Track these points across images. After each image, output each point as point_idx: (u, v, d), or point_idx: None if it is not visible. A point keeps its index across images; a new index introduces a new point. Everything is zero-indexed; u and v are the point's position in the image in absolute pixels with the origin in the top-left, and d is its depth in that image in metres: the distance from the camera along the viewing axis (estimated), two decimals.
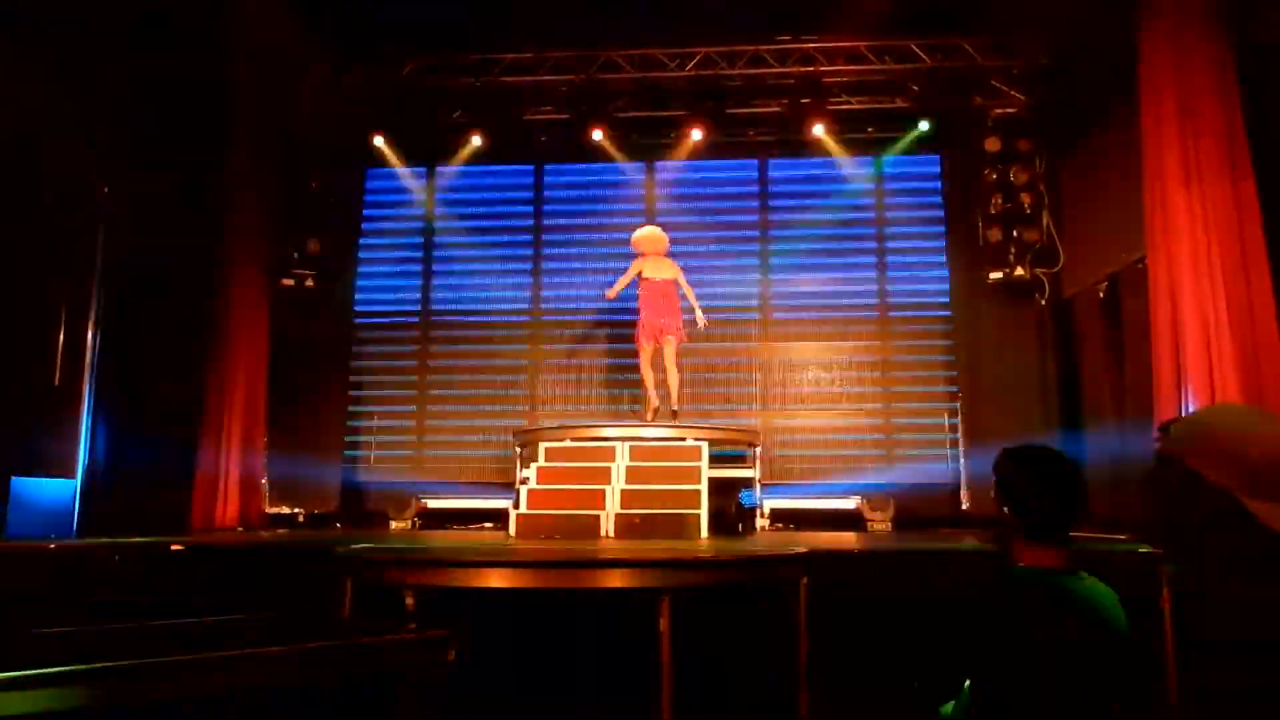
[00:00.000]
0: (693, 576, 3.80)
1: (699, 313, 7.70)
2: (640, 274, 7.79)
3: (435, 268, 9.26)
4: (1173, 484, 1.43)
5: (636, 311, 7.82)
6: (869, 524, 7.74)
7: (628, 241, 8.00)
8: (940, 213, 8.90)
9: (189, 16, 7.15)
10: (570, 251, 9.14)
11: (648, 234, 7.88)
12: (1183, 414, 1.47)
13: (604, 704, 3.94)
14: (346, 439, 8.97)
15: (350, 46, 8.50)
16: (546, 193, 9.36)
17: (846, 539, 6.35)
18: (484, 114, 8.76)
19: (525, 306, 9.11)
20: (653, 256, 7.82)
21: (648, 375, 7.75)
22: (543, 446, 7.02)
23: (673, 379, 7.71)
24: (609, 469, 6.62)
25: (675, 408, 7.68)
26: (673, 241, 8.28)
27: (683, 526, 6.13)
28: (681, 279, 7.82)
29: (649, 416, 7.70)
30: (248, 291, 8.08)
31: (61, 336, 6.88)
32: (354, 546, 4.38)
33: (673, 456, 6.84)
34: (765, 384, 8.87)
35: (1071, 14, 7.15)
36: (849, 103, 8.69)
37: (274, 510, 8.34)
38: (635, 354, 7.86)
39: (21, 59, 6.22)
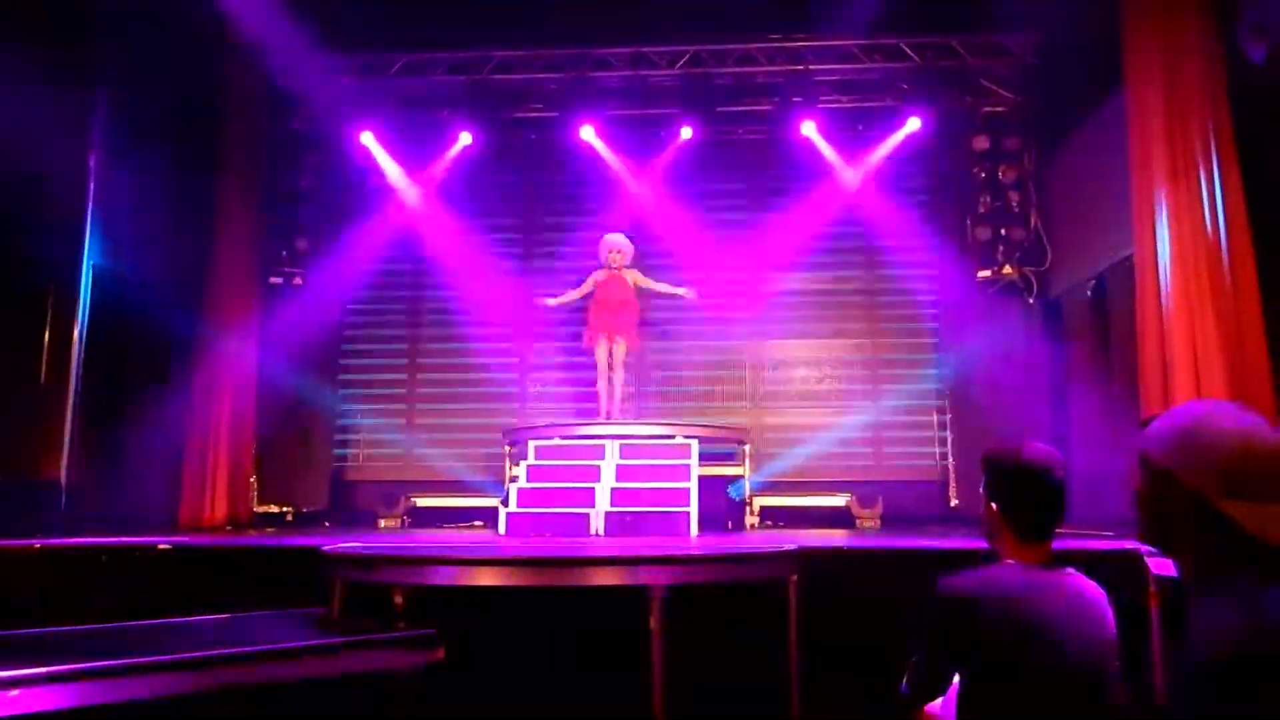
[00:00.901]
0: (682, 574, 3.81)
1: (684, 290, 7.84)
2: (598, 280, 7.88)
3: (424, 265, 9.23)
4: (1149, 482, 1.45)
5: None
6: (858, 521, 7.77)
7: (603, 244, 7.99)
8: (928, 211, 8.92)
9: (178, 12, 7.11)
10: (560, 250, 9.12)
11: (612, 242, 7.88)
12: (1165, 410, 1.49)
13: (595, 702, 3.95)
14: (335, 437, 8.95)
15: (340, 43, 8.48)
16: (535, 190, 9.35)
17: (836, 536, 6.37)
18: (473, 111, 8.73)
19: (515, 303, 9.08)
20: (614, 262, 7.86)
21: (603, 382, 7.79)
22: (532, 444, 7.02)
23: (618, 384, 7.78)
24: (598, 467, 6.63)
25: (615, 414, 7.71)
26: (660, 239, 8.32)
27: (672, 524, 6.15)
28: (642, 283, 7.89)
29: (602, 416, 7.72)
30: (236, 289, 8.05)
31: (47, 335, 6.83)
32: (343, 545, 4.37)
33: (662, 454, 6.85)
34: (754, 382, 8.89)
35: (1057, 12, 7.19)
36: (838, 101, 8.73)
37: (262, 509, 8.32)
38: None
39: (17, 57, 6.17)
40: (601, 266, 7.90)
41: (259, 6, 7.52)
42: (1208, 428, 1.39)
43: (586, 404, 8.75)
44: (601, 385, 7.77)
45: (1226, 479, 1.34)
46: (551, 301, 8.02)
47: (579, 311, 8.28)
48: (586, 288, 7.93)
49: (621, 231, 8.03)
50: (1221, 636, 1.25)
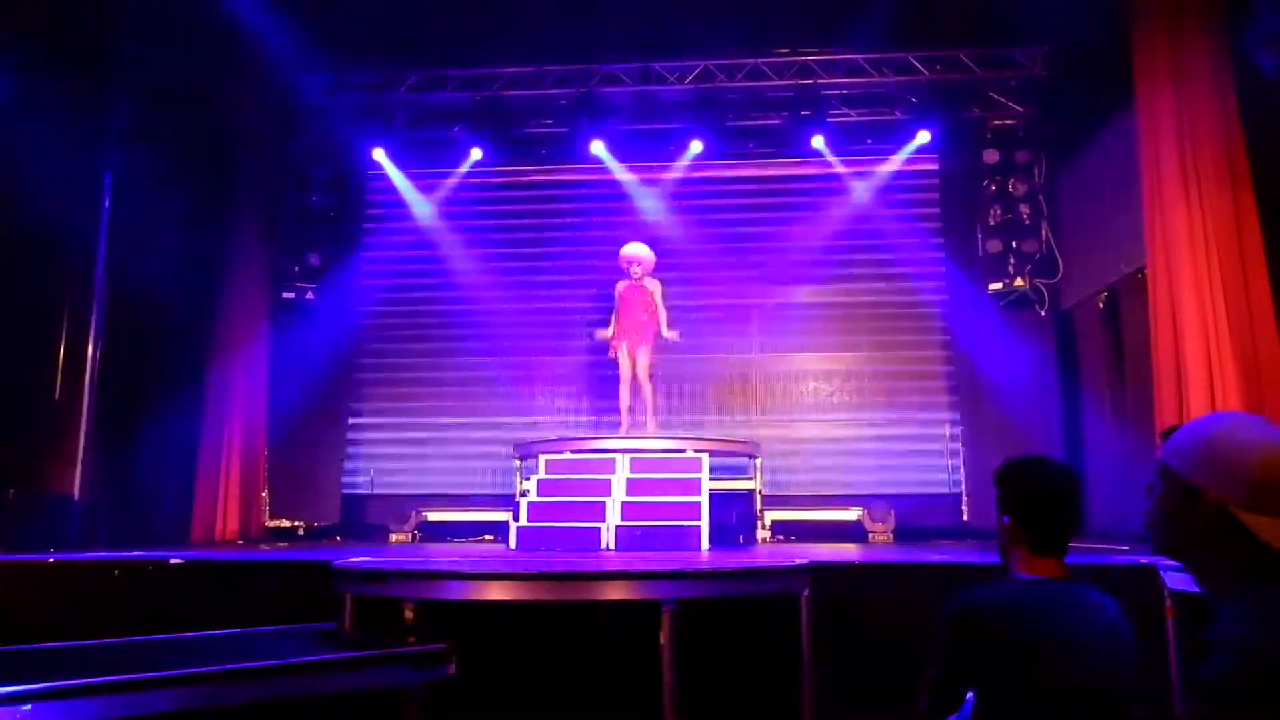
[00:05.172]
0: (694, 588, 3.79)
1: (665, 329, 7.78)
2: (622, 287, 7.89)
3: (435, 280, 9.26)
4: (1170, 495, 1.43)
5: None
6: (870, 535, 7.73)
7: (620, 255, 8.02)
8: (939, 224, 8.91)
9: (190, 30, 7.19)
10: (570, 263, 9.15)
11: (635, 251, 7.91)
12: (1183, 422, 1.48)
13: (605, 716, 3.93)
14: (346, 451, 8.96)
15: (351, 60, 8.56)
16: (546, 205, 9.38)
17: (848, 550, 6.33)
18: (484, 127, 8.79)
19: (526, 318, 9.10)
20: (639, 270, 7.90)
21: (625, 392, 7.79)
22: (543, 458, 7.02)
23: (647, 397, 7.75)
24: (609, 481, 6.62)
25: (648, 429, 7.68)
26: (671, 252, 8.35)
27: (683, 538, 6.13)
28: (657, 294, 7.88)
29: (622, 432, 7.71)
30: (248, 304, 8.11)
31: (62, 351, 6.89)
32: (354, 560, 4.37)
33: (673, 468, 6.84)
34: (765, 395, 8.87)
35: (1067, 25, 7.20)
36: (847, 115, 8.75)
37: (274, 523, 8.33)
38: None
39: (24, 72, 6.25)
40: (624, 277, 7.94)
41: (270, 25, 7.60)
42: (1231, 440, 1.38)
43: (598, 417, 8.75)
44: (622, 394, 7.78)
45: (1250, 491, 1.33)
46: (599, 334, 7.99)
47: (592, 325, 8.30)
48: (616, 303, 7.95)
49: (639, 242, 8.03)
50: (1243, 650, 1.23)
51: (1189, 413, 5.08)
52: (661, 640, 3.55)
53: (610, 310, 8.06)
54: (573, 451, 7.15)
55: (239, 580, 4.97)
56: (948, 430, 8.47)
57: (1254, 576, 1.32)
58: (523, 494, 6.82)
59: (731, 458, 7.76)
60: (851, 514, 7.95)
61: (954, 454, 8.42)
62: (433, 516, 8.28)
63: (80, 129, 6.83)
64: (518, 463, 7.55)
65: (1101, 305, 7.34)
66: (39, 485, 6.61)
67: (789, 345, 8.90)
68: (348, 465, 8.94)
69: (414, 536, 8.08)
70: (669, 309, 7.96)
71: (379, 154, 8.96)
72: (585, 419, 8.80)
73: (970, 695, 2.05)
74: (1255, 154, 5.27)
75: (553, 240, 9.25)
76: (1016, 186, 8.16)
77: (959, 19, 8.18)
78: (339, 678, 2.17)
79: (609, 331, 7.89)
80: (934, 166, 8.96)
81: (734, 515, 7.34)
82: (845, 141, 8.82)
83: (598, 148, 8.77)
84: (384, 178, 9.23)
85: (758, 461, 7.66)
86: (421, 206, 9.25)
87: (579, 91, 8.63)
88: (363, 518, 8.74)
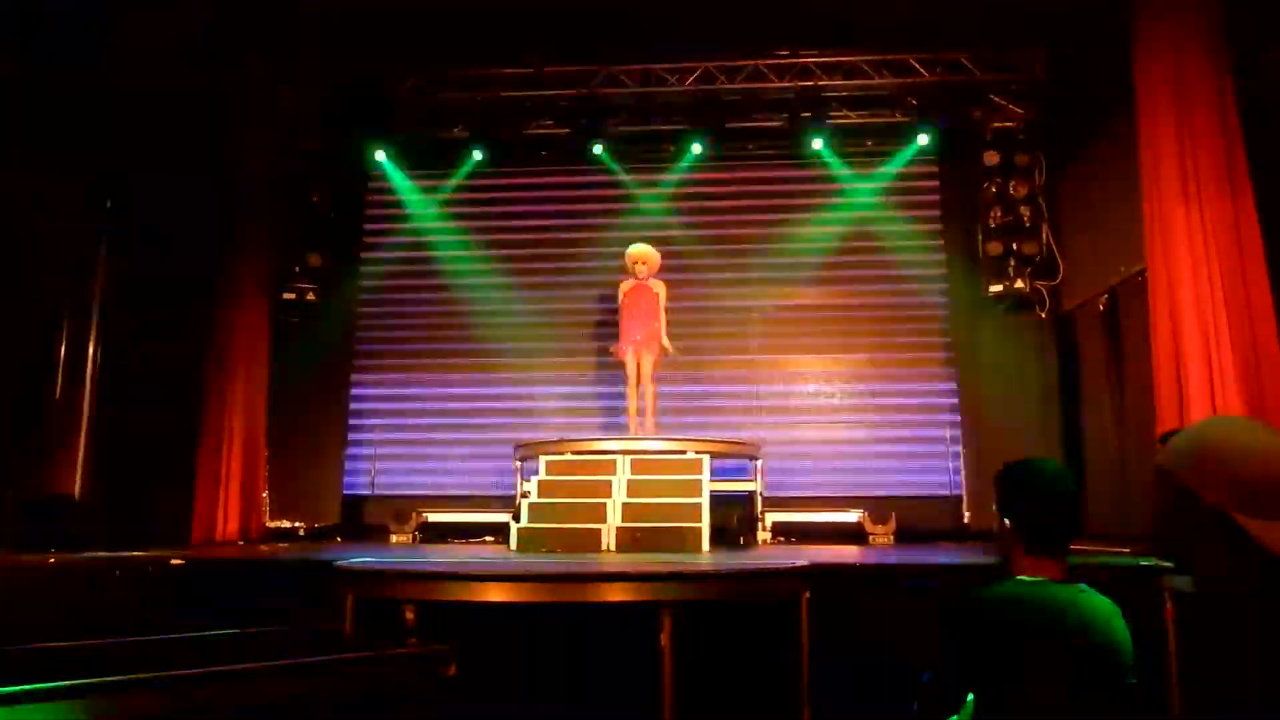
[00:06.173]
0: (694, 590, 3.79)
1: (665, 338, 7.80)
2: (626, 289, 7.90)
3: (436, 281, 9.27)
4: (1168, 499, 1.44)
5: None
6: (870, 537, 7.73)
7: (627, 255, 8.02)
8: (939, 226, 8.91)
9: (189, 32, 7.20)
10: (570, 265, 9.15)
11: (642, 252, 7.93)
12: (1182, 426, 1.48)
13: (606, 717, 3.93)
14: (347, 451, 8.96)
15: (352, 61, 8.56)
16: (547, 206, 9.39)
17: (848, 552, 6.33)
18: (484, 128, 8.80)
19: (525, 319, 9.10)
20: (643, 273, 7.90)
21: (632, 394, 7.80)
22: (543, 459, 7.02)
23: (649, 397, 7.75)
24: (610, 482, 6.62)
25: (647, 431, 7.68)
26: (672, 255, 8.35)
27: (684, 540, 6.13)
28: (662, 295, 7.90)
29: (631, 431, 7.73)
30: (249, 304, 8.10)
31: (63, 351, 6.89)
32: (355, 561, 4.37)
33: (673, 470, 6.84)
34: (766, 397, 8.86)
35: (1069, 28, 7.20)
36: (848, 116, 8.75)
37: (274, 524, 8.34)
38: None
39: (26, 72, 6.26)
40: (628, 276, 7.93)
41: (270, 25, 7.60)
42: (1229, 443, 1.38)
43: (598, 419, 8.75)
44: (629, 396, 7.79)
45: (1248, 495, 1.33)
46: (614, 349, 7.94)
47: (593, 326, 8.29)
48: (620, 304, 7.95)
49: (644, 242, 8.04)
50: (1243, 655, 1.24)
51: (1189, 416, 5.08)
52: (662, 642, 3.55)
53: (615, 314, 8.06)
54: (573, 453, 7.15)
55: (239, 581, 4.98)
56: (948, 432, 8.46)
57: (1253, 581, 1.32)
58: (523, 495, 6.82)
59: (732, 459, 7.76)
60: (852, 516, 7.94)
61: (955, 456, 8.41)
62: (433, 517, 8.27)
63: (82, 129, 6.84)
64: (518, 463, 7.55)
65: (1102, 308, 7.34)
66: (39, 485, 6.61)
67: (790, 347, 8.90)
68: (348, 466, 8.94)
69: (414, 537, 8.08)
70: (668, 312, 7.98)
71: (380, 155, 8.97)
72: (586, 420, 8.79)
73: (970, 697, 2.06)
74: (1255, 157, 5.27)
75: (552, 242, 9.25)
76: (1017, 189, 8.16)
77: (959, 21, 8.18)
78: (339, 679, 2.18)
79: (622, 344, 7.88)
80: (934, 169, 8.96)
81: (735, 517, 7.33)
82: (845, 143, 8.82)
83: (598, 149, 8.77)
84: (385, 178, 9.24)
85: (758, 463, 7.66)
86: (422, 207, 9.26)
87: (580, 93, 8.64)
88: (363, 518, 8.74)
